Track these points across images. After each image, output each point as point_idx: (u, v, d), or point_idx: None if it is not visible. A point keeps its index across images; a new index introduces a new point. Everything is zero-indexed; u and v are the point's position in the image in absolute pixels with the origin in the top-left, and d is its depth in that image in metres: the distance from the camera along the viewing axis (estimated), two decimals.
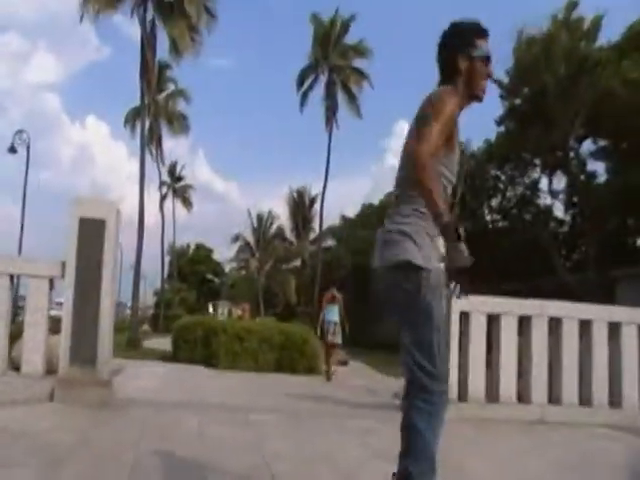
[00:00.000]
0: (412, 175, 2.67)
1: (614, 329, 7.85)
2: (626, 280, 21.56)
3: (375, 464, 4.62)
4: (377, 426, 6.28)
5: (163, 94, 42.69)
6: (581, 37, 23.46)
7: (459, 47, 2.96)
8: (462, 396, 7.27)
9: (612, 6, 34.34)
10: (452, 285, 2.61)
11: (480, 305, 7.44)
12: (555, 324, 7.69)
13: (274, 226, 53.17)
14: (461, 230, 2.53)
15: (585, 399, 7.67)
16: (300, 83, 38.66)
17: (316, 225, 46.02)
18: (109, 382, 6.50)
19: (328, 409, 7.52)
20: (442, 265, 2.68)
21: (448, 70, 2.97)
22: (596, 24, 23.81)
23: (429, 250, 2.75)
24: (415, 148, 2.66)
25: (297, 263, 53.43)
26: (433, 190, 2.57)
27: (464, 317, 7.35)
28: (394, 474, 2.89)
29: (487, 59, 2.97)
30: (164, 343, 15.22)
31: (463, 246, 2.52)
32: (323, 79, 38.35)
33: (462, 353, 7.32)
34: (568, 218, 30.25)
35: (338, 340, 12.47)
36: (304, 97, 38.42)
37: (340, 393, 9.53)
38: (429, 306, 2.77)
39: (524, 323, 7.66)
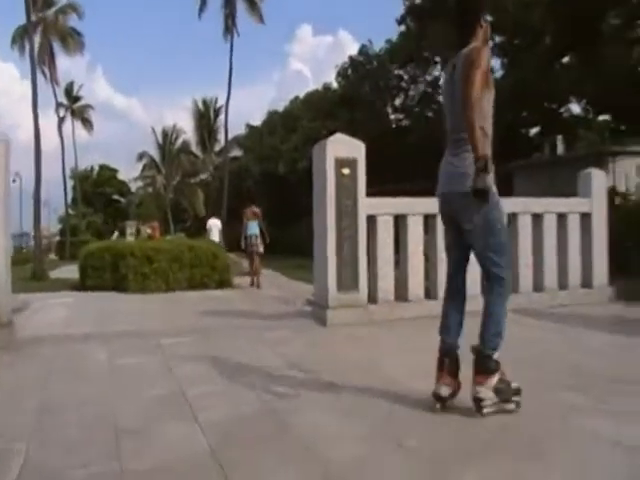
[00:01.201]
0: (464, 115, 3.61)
1: (513, 219, 8.16)
2: (522, 170, 22.46)
3: (292, 373, 4.73)
4: (291, 336, 6.40)
5: (52, 9, 39.85)
6: None
7: (479, 13, 3.98)
8: (372, 298, 7.47)
9: None
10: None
11: (386, 206, 7.55)
12: None
13: (179, 140, 51.83)
14: (490, 164, 3.52)
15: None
16: None
17: (222, 136, 45.03)
18: (10, 322, 6.26)
19: (241, 323, 7.56)
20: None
21: (471, 29, 3.90)
22: None
23: (490, 179, 3.54)
24: (465, 92, 3.61)
25: (205, 176, 52.63)
26: (475, 128, 3.52)
27: (370, 219, 7.46)
28: (473, 347, 3.78)
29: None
30: (73, 271, 14.77)
31: (486, 176, 3.46)
32: None
33: (370, 256, 7.47)
34: None
35: (260, 250, 13.34)
36: (203, 3, 36.59)
37: (253, 305, 9.59)
38: (498, 217, 3.76)
39: (429, 221, 7.81)
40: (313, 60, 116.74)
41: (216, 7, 36.96)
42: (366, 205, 7.34)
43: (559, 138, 24.01)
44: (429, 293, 7.78)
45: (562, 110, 27.99)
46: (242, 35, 37.32)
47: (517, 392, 3.75)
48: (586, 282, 8.61)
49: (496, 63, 27.49)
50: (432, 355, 3.91)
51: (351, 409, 3.90)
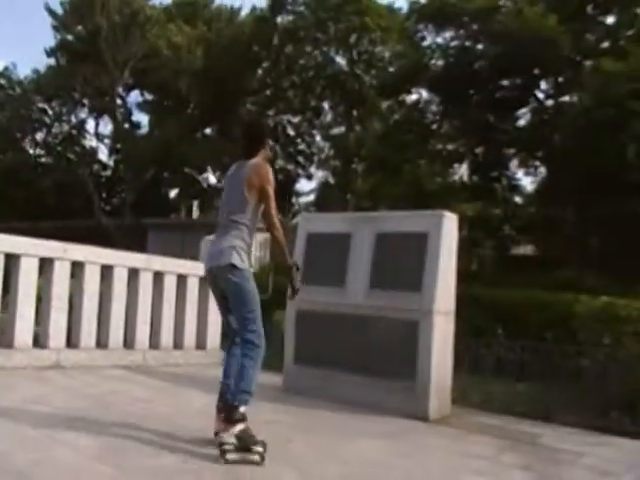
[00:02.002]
0: (269, 228, 4.63)
1: (133, 275, 8.30)
2: (157, 228, 22.99)
3: None
4: None
5: None
6: None
7: (264, 140, 4.80)
8: None
9: None
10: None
11: None
12: (78, 268, 7.73)
13: None
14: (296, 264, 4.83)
15: (103, 342, 7.97)
16: None
17: None
18: None
19: None
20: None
21: (255, 150, 4.64)
22: None
23: (245, 257, 4.40)
24: (268, 212, 4.57)
25: None
26: (283, 242, 4.61)
27: None
28: (221, 396, 4.46)
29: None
30: None
31: (299, 276, 4.79)
32: None
33: None
34: (111, 163, 30.67)
35: None
36: None
37: None
38: (250, 289, 4.42)
39: (46, 264, 7.48)
40: None
41: None
42: None
43: (195, 203, 25.29)
44: (38, 340, 7.39)
45: (201, 177, 29.60)
46: None
47: (260, 444, 4.18)
48: (200, 344, 9.08)
49: (144, 119, 28.18)
50: (25, 412, 3.80)
51: None
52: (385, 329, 6.40)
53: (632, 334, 8.10)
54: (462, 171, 17.26)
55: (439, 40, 14.92)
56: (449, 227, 6.50)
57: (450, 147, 16.08)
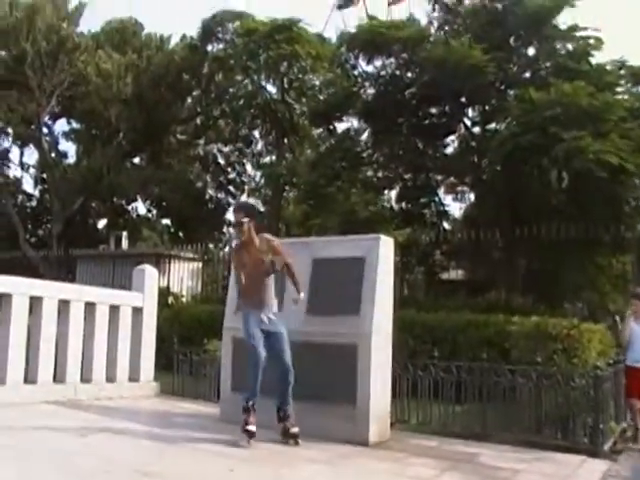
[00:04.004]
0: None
1: (65, 307, 8.08)
2: (85, 259, 22.44)
3: None
4: None
5: None
6: (65, 17, 23.44)
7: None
8: None
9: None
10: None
11: None
12: (5, 300, 7.47)
13: None
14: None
15: (31, 377, 7.70)
16: None
17: None
18: None
19: None
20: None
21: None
22: (79, 10, 24.21)
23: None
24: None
25: None
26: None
27: None
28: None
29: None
30: None
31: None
32: None
33: None
34: (37, 193, 29.83)
35: None
36: None
37: None
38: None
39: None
40: None
41: None
42: None
43: (124, 234, 24.81)
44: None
45: (130, 207, 29.11)
46: None
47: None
48: (133, 376, 8.88)
49: (71, 149, 27.55)
50: None
51: None
52: (324, 354, 6.39)
53: (562, 351, 8.39)
54: (391, 197, 17.62)
55: (369, 69, 15.24)
56: (385, 251, 6.60)
57: (380, 174, 16.34)
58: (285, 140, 20.45)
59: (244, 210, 6.18)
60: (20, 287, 7.60)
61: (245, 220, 6.05)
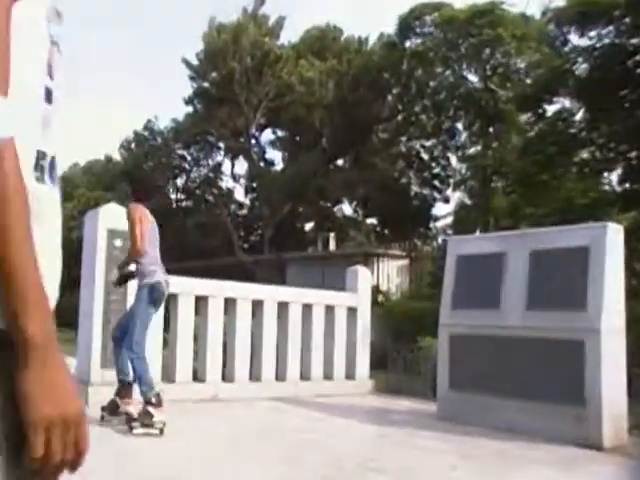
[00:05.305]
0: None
1: (283, 307, 8.43)
2: (296, 261, 23.40)
3: None
4: None
5: None
6: (266, 33, 24.70)
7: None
8: None
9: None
10: None
11: None
12: (230, 305, 7.97)
13: None
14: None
15: (255, 375, 8.13)
16: None
17: None
18: None
19: None
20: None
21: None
22: (279, 23, 25.38)
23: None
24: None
25: None
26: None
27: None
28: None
29: None
30: None
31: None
32: None
33: None
34: (248, 201, 31.70)
35: None
36: None
37: None
38: None
39: (201, 303, 7.78)
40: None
41: None
42: None
43: (331, 235, 25.52)
44: (197, 375, 7.68)
45: (335, 209, 29.90)
46: None
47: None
48: (349, 373, 9.04)
49: (277, 156, 28.96)
50: (195, 442, 3.83)
51: None
52: (546, 351, 6.00)
53: None
54: (611, 180, 16.15)
55: (582, 42, 14.06)
56: (613, 238, 6.02)
57: (599, 155, 15.07)
58: (490, 129, 19.70)
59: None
60: (242, 293, 8.12)
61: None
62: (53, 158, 0.98)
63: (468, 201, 22.24)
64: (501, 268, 6.50)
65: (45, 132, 0.96)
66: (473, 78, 19.98)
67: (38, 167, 0.94)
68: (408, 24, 20.60)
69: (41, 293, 0.87)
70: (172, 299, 7.50)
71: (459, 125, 22.07)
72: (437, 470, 4.34)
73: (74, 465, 0.90)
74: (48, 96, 0.97)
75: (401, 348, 9.23)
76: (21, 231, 0.84)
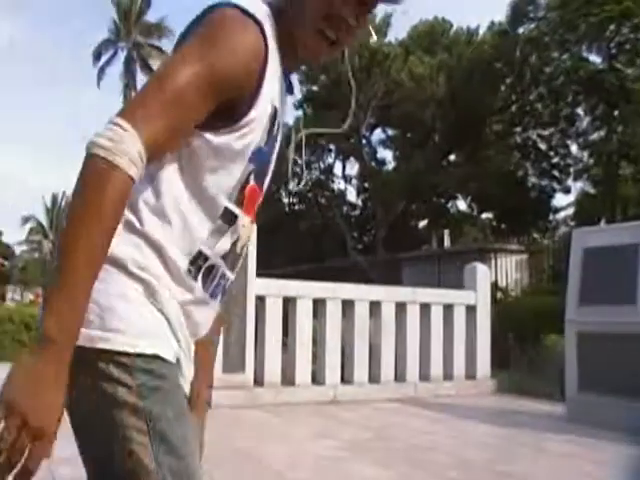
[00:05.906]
0: None
1: (400, 308, 8.30)
2: (410, 260, 23.13)
3: None
4: None
5: None
6: (375, 31, 24.65)
7: None
8: (258, 381, 7.27)
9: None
10: None
11: (276, 288, 7.48)
12: (348, 306, 7.93)
13: None
14: None
15: (374, 377, 8.05)
16: (97, 57, 36.75)
17: None
18: None
19: None
20: None
21: None
22: (386, 20, 25.22)
23: None
24: None
25: None
26: None
27: (259, 301, 7.33)
28: None
29: None
30: None
31: None
32: (122, 55, 36.88)
33: (258, 338, 7.31)
34: (360, 202, 31.70)
35: None
36: (101, 72, 36.62)
37: None
38: None
39: (319, 305, 7.80)
40: None
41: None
42: (256, 285, 7.24)
43: (446, 232, 25.04)
44: (315, 377, 7.70)
45: (449, 205, 29.36)
46: None
47: None
48: (470, 373, 8.79)
49: (388, 155, 28.75)
50: (316, 444, 3.79)
51: None
52: None
53: None
54: None
55: None
56: None
57: None
58: (615, 112, 18.54)
59: None
60: (358, 294, 8.07)
61: None
62: None
63: (592, 190, 21.14)
64: (636, 261, 6.06)
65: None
66: (595, 59, 18.92)
67: None
68: (520, 9, 19.89)
69: (74, 299, 0.98)
70: (290, 303, 7.58)
71: (579, 110, 21.01)
72: (569, 476, 4.10)
73: (25, 472, 0.92)
74: None
75: (524, 346, 8.84)
76: (87, 246, 0.97)
